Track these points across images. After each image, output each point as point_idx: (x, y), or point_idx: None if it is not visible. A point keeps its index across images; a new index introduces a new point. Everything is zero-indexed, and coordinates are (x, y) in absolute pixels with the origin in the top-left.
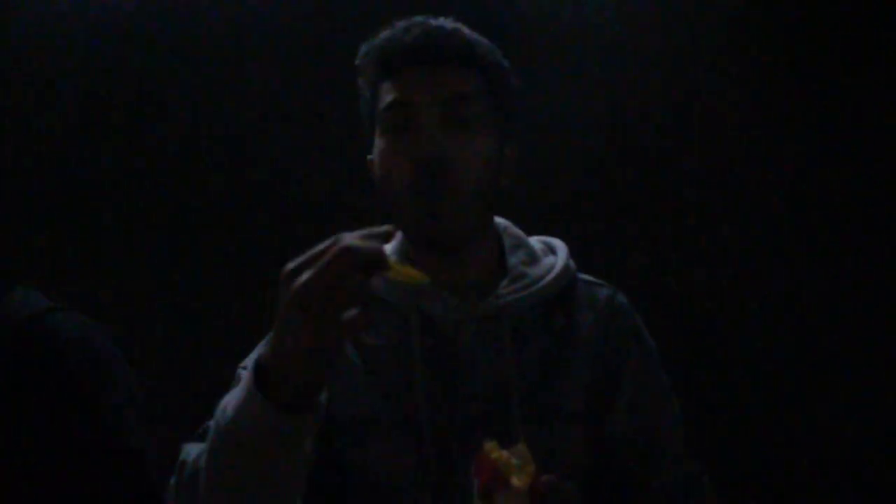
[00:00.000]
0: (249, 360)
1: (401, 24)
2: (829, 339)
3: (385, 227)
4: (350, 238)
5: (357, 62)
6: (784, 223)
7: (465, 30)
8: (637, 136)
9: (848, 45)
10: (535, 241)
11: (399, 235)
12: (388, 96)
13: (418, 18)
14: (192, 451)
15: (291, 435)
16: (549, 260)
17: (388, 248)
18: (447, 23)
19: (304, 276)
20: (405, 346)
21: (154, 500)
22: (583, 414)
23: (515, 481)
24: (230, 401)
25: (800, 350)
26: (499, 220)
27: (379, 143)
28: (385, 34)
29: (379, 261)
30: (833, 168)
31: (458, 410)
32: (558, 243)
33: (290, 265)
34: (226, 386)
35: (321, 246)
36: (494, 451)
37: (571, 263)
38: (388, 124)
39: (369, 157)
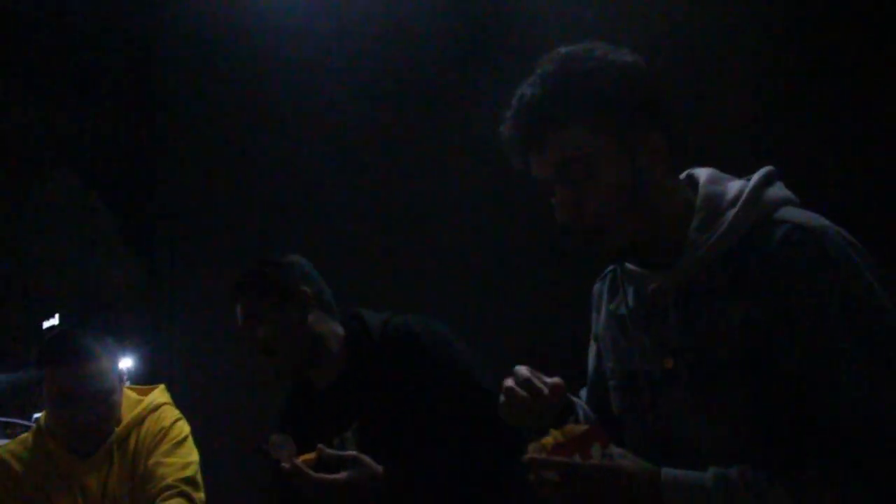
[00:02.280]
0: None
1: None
2: None
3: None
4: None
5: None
6: None
7: (551, 92)
8: None
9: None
10: (732, 186)
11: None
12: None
13: (513, 101)
14: None
15: None
16: (726, 216)
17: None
18: (534, 94)
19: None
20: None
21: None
22: (742, 361)
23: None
24: None
25: None
26: (702, 175)
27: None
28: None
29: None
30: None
31: (646, 364)
32: (745, 190)
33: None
34: None
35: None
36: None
37: (746, 212)
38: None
39: None
